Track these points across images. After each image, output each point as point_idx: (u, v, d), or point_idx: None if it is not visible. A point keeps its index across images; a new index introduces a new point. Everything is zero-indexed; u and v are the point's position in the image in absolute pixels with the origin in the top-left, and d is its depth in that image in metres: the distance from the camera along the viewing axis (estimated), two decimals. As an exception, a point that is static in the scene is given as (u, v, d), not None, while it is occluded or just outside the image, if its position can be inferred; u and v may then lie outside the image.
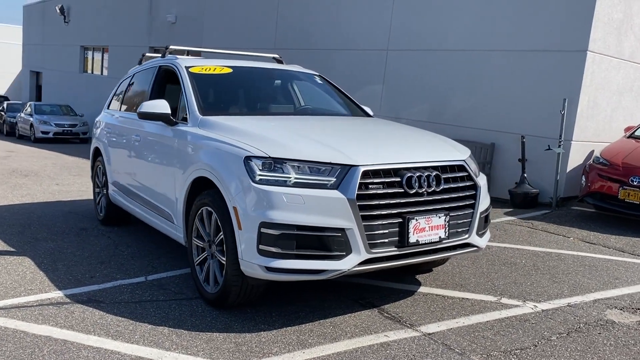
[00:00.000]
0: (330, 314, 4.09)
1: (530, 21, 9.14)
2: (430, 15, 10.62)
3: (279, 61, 6.47)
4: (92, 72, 23.88)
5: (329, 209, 3.54)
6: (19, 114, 22.63)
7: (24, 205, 7.97)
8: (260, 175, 3.63)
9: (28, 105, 22.32)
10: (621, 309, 4.46)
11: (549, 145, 8.56)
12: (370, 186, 3.66)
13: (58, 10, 25.31)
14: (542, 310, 4.34)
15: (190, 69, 5.16)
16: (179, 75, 5.14)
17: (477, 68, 9.89)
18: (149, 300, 4.29)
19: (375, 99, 11.56)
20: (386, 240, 3.70)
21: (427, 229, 3.83)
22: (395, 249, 3.74)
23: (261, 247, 3.59)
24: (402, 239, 3.73)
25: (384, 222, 3.68)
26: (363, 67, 11.85)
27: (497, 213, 8.33)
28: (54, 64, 27.03)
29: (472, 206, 4.15)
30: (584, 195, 7.92)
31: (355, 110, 5.63)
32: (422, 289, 4.70)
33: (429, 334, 3.84)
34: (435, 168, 3.96)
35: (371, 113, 5.70)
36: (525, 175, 8.84)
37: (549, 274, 5.30)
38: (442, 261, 5.09)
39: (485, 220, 4.48)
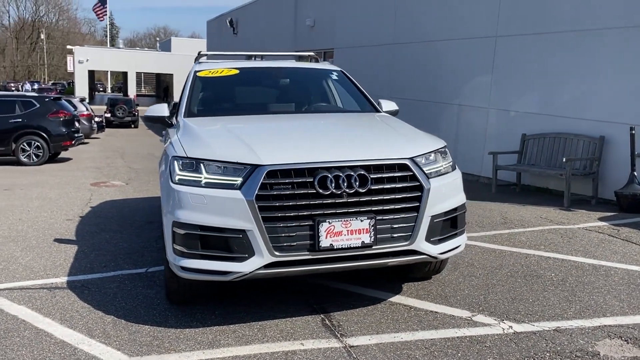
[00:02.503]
0: (271, 317, 4.00)
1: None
2: (539, -6, 9.52)
3: (315, 59, 6.41)
4: (254, 78, 25.79)
5: (229, 210, 3.49)
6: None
7: (130, 200, 9.03)
8: (179, 175, 3.71)
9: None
10: (625, 340, 3.62)
11: (661, 138, 7.15)
12: (275, 186, 3.51)
13: (228, 23, 27.82)
14: (514, 333, 3.72)
15: (198, 73, 5.42)
16: (188, 79, 5.43)
17: (587, 50, 8.62)
18: (126, 290, 4.62)
19: (484, 90, 10.73)
20: (294, 244, 3.51)
21: (345, 233, 3.54)
22: (308, 253, 3.53)
23: (174, 246, 3.67)
24: (314, 242, 3.51)
25: (290, 225, 3.49)
26: (471, 57, 11.06)
27: (590, 217, 7.21)
28: (226, 72, 29.72)
29: (416, 209, 3.71)
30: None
31: (365, 106, 5.36)
32: (395, 298, 4.34)
33: (352, 346, 3.55)
34: (363, 167, 3.63)
35: (386, 108, 5.34)
36: (635, 173, 7.49)
37: (570, 290, 4.49)
38: (436, 269, 4.61)
39: (452, 225, 3.99)
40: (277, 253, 3.49)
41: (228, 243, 3.51)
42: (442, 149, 4.12)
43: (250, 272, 3.51)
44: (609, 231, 6.44)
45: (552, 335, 3.68)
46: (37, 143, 14.17)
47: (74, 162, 14.94)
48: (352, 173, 3.57)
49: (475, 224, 6.84)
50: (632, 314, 4.03)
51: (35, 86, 52.06)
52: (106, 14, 47.16)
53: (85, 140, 20.51)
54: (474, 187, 10.00)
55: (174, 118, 5.14)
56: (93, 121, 21.85)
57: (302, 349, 3.52)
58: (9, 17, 74.16)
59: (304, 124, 4.65)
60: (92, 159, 15.83)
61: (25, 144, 14.11)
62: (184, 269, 3.65)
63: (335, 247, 3.54)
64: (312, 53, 6.59)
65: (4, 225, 7.07)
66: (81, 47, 43.46)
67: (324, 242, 3.51)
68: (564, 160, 8.11)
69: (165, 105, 5.16)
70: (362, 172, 3.59)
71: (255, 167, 3.53)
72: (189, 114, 4.90)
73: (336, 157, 3.63)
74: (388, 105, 5.43)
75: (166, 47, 50.83)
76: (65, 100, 17.34)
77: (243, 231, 3.47)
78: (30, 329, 3.87)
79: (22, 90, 40.36)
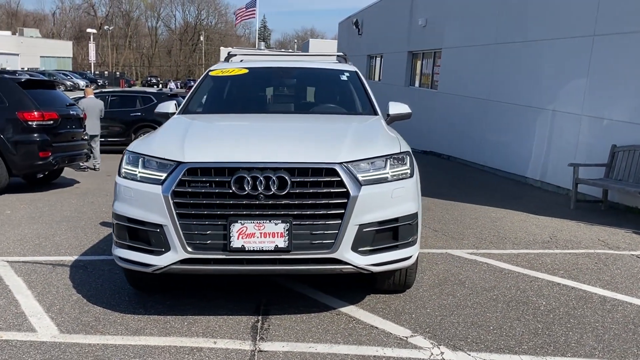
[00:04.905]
0: (210, 313, 4.03)
1: None
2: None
3: (345, 59, 6.30)
4: (374, 79, 25.81)
5: (149, 204, 3.59)
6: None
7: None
8: (124, 168, 3.90)
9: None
10: (565, 386, 3.12)
11: None
12: (192, 184, 3.54)
13: (353, 24, 28.10)
14: (441, 360, 3.39)
15: (210, 72, 5.61)
16: (201, 77, 5.66)
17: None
18: (114, 273, 4.92)
19: (578, 96, 9.69)
20: (208, 242, 3.52)
21: (258, 235, 3.46)
22: (221, 252, 3.52)
23: (113, 235, 3.88)
24: (226, 243, 3.49)
25: (203, 223, 3.51)
26: (567, 58, 10.04)
27: (659, 244, 6.23)
28: (351, 73, 30.08)
29: (341, 216, 3.52)
30: None
31: (365, 108, 5.16)
32: (346, 308, 4.14)
33: (260, 351, 3.48)
34: (287, 170, 3.52)
35: (393, 112, 5.08)
36: None
37: (548, 322, 3.94)
38: (402, 283, 4.30)
39: (394, 236, 3.71)
40: (190, 250, 3.53)
41: (148, 236, 3.63)
42: (397, 155, 3.84)
43: (165, 266, 3.59)
44: (664, 261, 5.52)
45: (481, 368, 3.29)
46: (152, 135, 15.57)
47: (184, 154, 16.11)
48: (271, 175, 3.49)
49: (510, 240, 6.25)
50: (599, 356, 3.44)
51: (192, 84, 56.90)
52: (251, 17, 49.99)
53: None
54: (557, 200, 9.11)
55: (178, 115, 5.38)
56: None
57: (210, 347, 3.52)
58: (175, 21, 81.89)
59: (267, 125, 4.58)
60: (202, 152, 16.94)
61: (142, 136, 15.57)
62: (120, 258, 3.84)
63: (247, 249, 3.49)
64: (341, 53, 6.48)
65: (73, 205, 7.91)
66: (225, 48, 46.69)
67: (236, 242, 3.48)
68: (643, 176, 7.08)
69: (173, 102, 5.41)
70: (282, 175, 3.49)
71: (178, 164, 3.60)
72: (185, 111, 5.10)
73: (259, 159, 3.56)
74: (396, 108, 5.18)
75: (305, 48, 52.86)
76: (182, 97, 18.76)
77: (160, 226, 3.56)
78: (8, 299, 4.32)
79: (167, 88, 44.37)
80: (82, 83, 45.75)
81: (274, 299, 4.30)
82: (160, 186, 3.60)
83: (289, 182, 3.49)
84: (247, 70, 5.59)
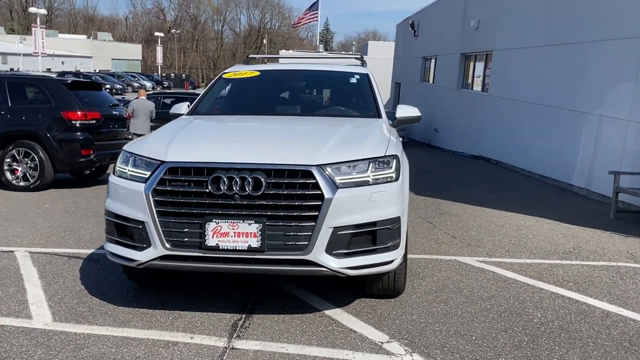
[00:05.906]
0: (198, 309, 4.12)
1: None
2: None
3: (362, 60, 6.28)
4: (428, 82, 25.46)
5: (132, 201, 3.72)
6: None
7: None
8: (118, 166, 4.06)
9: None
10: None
11: None
12: (172, 182, 3.63)
13: (409, 26, 27.82)
14: (409, 368, 3.32)
15: (223, 75, 5.74)
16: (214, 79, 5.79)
17: None
18: (121, 266, 5.13)
19: (625, 100, 9.20)
20: (185, 240, 3.60)
21: (232, 234, 3.51)
22: (197, 250, 3.60)
23: (105, 231, 4.04)
24: (201, 240, 3.56)
25: (181, 221, 3.60)
26: (615, 60, 9.56)
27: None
28: (406, 75, 29.83)
29: (315, 219, 3.51)
30: None
31: (370, 111, 5.12)
32: (331, 311, 4.13)
33: (232, 348, 3.54)
34: (264, 171, 3.55)
35: (401, 115, 5.03)
36: None
37: (536, 335, 3.78)
38: (391, 288, 4.23)
39: (372, 240, 3.67)
40: (168, 246, 3.62)
41: (132, 232, 3.76)
42: (382, 159, 3.79)
43: (146, 262, 3.70)
44: (688, 277, 5.15)
45: (448, 378, 3.20)
46: (200, 135, 16.02)
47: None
48: (247, 176, 3.54)
49: (528, 249, 6.02)
50: (579, 375, 3.28)
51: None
52: (314, 20, 50.23)
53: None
54: (598, 210, 8.69)
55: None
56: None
57: (185, 342, 3.61)
58: (239, 24, 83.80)
59: (260, 127, 4.63)
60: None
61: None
62: (110, 253, 4.00)
63: (221, 248, 3.55)
64: (358, 55, 6.45)
65: (108, 202, 8.26)
66: (285, 51, 47.35)
67: (210, 241, 3.55)
68: (682, 186, 6.63)
69: (186, 103, 5.56)
70: (257, 176, 3.53)
71: (161, 162, 3.71)
72: (193, 112, 5.23)
73: (236, 159, 3.61)
74: (404, 111, 5.12)
75: (364, 50, 52.69)
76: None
77: (142, 222, 3.68)
78: (18, 286, 4.58)
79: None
80: (148, 84, 47.53)
81: (263, 299, 4.34)
82: (143, 184, 3.72)
83: (263, 183, 3.52)
84: (258, 73, 5.68)
